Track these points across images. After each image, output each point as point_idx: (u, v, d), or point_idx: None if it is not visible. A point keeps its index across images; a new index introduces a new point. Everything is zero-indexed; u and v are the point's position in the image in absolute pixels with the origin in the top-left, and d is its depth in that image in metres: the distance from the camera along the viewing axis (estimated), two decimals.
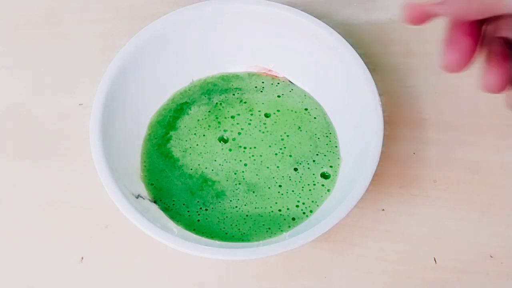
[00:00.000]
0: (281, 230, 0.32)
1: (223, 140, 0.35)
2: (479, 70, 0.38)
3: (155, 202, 0.33)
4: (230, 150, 0.35)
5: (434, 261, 0.33)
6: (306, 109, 0.36)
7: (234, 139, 0.35)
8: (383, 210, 0.34)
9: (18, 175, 0.36)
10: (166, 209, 0.33)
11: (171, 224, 0.32)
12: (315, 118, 0.35)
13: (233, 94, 0.36)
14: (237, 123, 0.35)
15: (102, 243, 0.34)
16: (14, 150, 0.37)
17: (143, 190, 0.33)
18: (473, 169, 0.35)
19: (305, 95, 0.36)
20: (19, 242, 0.34)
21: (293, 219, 0.33)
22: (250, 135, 0.35)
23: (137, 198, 0.32)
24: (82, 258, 0.34)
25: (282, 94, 0.36)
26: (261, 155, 0.34)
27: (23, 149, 0.37)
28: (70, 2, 0.41)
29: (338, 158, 0.34)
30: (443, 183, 0.35)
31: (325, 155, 0.34)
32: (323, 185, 0.33)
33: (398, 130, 0.34)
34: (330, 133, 0.35)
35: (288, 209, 0.33)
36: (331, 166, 0.34)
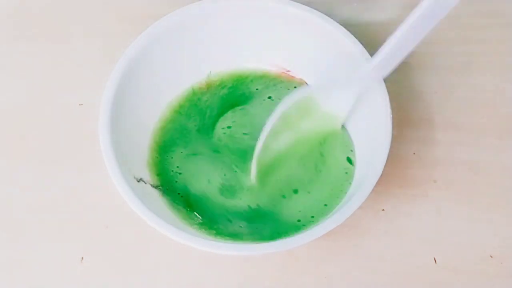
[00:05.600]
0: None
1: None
2: (478, 71, 0.38)
3: (156, 187, 0.33)
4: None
5: (434, 261, 0.33)
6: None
7: None
8: (383, 210, 0.34)
9: (18, 175, 0.36)
10: (166, 193, 0.33)
11: (168, 211, 0.32)
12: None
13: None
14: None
15: (102, 243, 0.34)
16: (14, 150, 0.37)
17: (146, 175, 0.33)
18: (473, 169, 0.35)
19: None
20: (19, 242, 0.34)
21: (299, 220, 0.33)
22: None
23: (138, 181, 0.32)
24: (82, 258, 0.34)
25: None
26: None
27: (23, 149, 0.37)
28: (70, 2, 0.41)
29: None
30: (443, 183, 0.35)
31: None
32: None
33: (398, 130, 0.34)
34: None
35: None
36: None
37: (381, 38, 0.38)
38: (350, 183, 0.33)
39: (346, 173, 0.33)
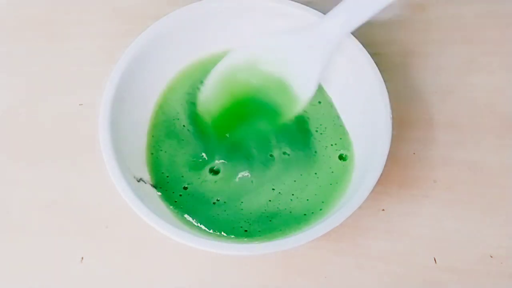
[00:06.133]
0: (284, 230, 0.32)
1: None
2: (478, 71, 0.38)
3: (156, 187, 0.33)
4: None
5: (434, 261, 0.33)
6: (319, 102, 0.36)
7: None
8: (383, 210, 0.34)
9: (18, 175, 0.36)
10: (164, 193, 0.33)
11: (168, 211, 0.32)
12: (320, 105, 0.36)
13: None
14: None
15: (102, 243, 0.34)
16: (14, 150, 0.37)
17: (146, 174, 0.33)
18: (473, 169, 0.35)
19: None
20: (19, 242, 0.34)
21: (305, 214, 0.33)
22: None
23: (138, 181, 0.32)
24: (82, 258, 0.34)
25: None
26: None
27: (23, 149, 0.37)
28: (70, 2, 0.41)
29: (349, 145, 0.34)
30: (443, 183, 0.35)
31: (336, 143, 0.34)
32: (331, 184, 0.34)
33: (398, 130, 0.34)
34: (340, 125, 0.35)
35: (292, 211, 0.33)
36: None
37: (381, 38, 0.39)
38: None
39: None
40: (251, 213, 0.33)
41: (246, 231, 0.32)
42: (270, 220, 0.33)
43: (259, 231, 0.32)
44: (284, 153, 0.34)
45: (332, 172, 0.34)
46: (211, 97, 0.35)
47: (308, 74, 0.34)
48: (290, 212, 0.33)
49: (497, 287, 0.33)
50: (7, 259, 0.34)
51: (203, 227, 0.32)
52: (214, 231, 0.32)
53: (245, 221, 0.32)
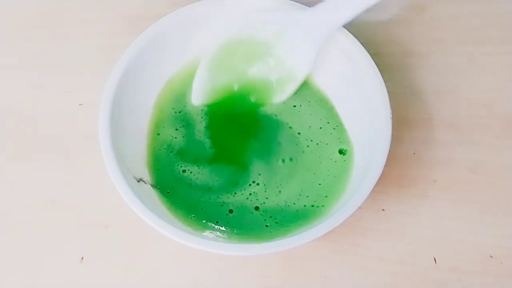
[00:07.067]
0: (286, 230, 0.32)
1: None
2: (478, 71, 0.38)
3: (156, 188, 0.33)
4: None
5: (434, 261, 0.33)
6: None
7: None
8: (383, 210, 0.34)
9: (18, 175, 0.36)
10: (164, 193, 0.33)
11: (168, 211, 0.32)
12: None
13: None
14: None
15: (102, 243, 0.34)
16: (13, 150, 0.37)
17: (146, 175, 0.33)
18: (473, 169, 0.35)
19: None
20: (19, 242, 0.34)
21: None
22: None
23: (138, 181, 0.32)
24: (82, 258, 0.34)
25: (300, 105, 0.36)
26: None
27: (23, 149, 0.37)
28: (70, 2, 0.41)
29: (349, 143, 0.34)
30: (443, 183, 0.35)
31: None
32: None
33: (398, 130, 0.34)
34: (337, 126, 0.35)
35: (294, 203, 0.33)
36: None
37: (381, 38, 0.39)
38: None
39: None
40: (269, 204, 0.33)
41: (267, 226, 0.32)
42: (282, 208, 0.33)
43: (276, 222, 0.32)
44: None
45: (335, 161, 0.34)
46: (206, 86, 0.35)
47: (304, 51, 0.34)
48: (298, 200, 0.33)
49: (497, 287, 0.33)
50: (7, 259, 0.34)
51: (221, 227, 0.32)
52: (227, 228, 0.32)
53: (266, 213, 0.33)
